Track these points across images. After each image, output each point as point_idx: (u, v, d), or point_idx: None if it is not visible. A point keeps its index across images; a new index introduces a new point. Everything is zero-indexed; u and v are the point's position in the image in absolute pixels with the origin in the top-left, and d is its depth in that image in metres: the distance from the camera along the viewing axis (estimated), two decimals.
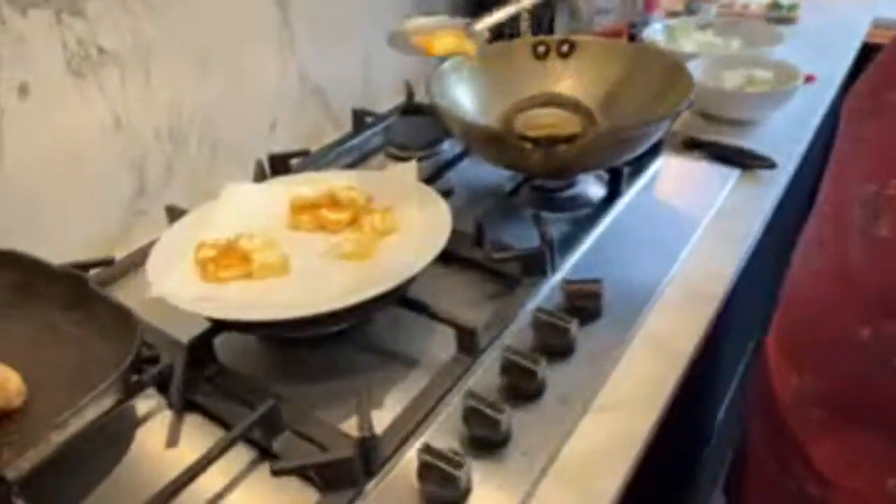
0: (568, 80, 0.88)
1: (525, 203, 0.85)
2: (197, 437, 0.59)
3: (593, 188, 0.88)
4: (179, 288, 0.60)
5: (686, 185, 0.90)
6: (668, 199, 0.87)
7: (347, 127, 1.05)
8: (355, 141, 1.01)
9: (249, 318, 0.57)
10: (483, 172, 0.89)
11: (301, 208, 0.73)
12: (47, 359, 0.61)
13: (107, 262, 0.75)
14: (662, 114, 0.74)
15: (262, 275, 0.64)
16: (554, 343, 0.63)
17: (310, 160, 0.95)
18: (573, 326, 0.63)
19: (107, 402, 0.55)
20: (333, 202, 0.72)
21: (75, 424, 0.53)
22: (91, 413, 0.54)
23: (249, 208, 0.73)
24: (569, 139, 0.70)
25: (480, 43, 0.71)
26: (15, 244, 0.68)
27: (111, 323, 0.60)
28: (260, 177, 0.90)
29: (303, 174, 0.81)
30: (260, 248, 0.66)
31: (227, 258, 0.64)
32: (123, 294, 0.73)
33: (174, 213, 0.81)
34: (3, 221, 0.72)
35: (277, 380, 0.63)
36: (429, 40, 0.70)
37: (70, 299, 0.64)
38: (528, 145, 0.70)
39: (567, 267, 0.75)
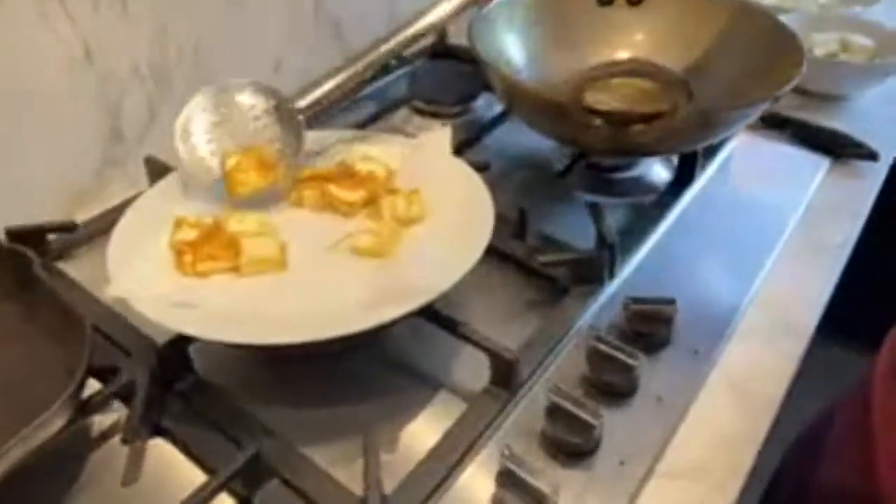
0: (639, 35, 0.72)
1: (576, 184, 0.70)
2: (163, 469, 0.47)
3: (657, 169, 0.73)
4: (146, 285, 0.47)
5: (767, 173, 0.75)
6: (746, 190, 0.72)
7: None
8: (375, 89, 0.86)
9: (231, 339, 0.44)
10: (526, 139, 0.74)
11: (306, 179, 0.59)
12: None
13: (68, 228, 0.62)
14: (764, 93, 0.59)
15: (252, 270, 0.50)
16: (612, 381, 0.50)
17: (319, 111, 0.80)
18: (639, 364, 0.50)
19: (50, 428, 0.43)
20: (346, 175, 0.58)
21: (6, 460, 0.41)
22: (27, 445, 0.42)
23: None
24: (649, 117, 0.55)
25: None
26: None
27: (58, 320, 0.48)
28: None
29: (310, 133, 0.66)
30: (253, 233, 0.53)
31: (210, 244, 0.51)
32: (86, 270, 0.60)
33: (154, 168, 0.67)
34: None
35: (267, 401, 0.51)
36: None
37: (11, 285, 0.51)
38: (598, 122, 0.56)
39: (626, 271, 0.61)
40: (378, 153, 0.61)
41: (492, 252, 0.61)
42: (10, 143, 0.62)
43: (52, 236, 0.62)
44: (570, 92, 0.54)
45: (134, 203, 0.56)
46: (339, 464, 0.46)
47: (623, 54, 0.75)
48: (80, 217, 0.66)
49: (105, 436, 0.49)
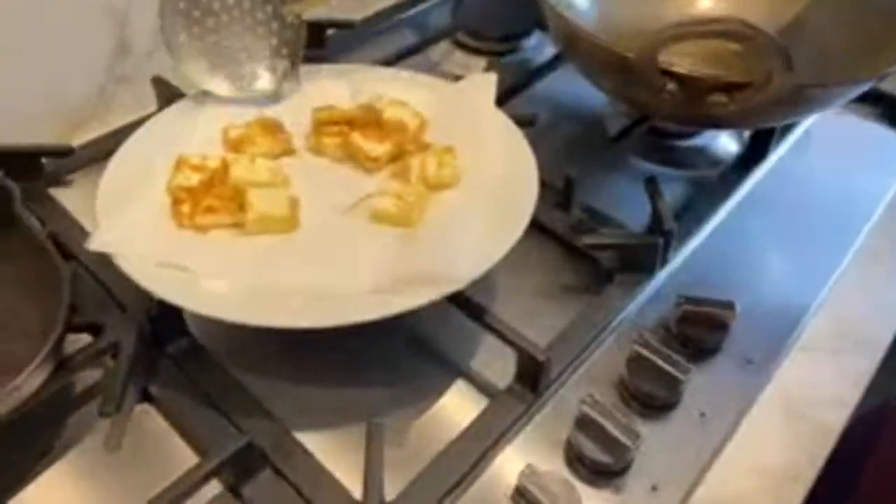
0: None
1: (631, 148, 0.62)
2: (150, 437, 0.42)
3: (724, 140, 0.64)
4: (135, 238, 0.41)
5: (850, 155, 0.66)
6: (824, 174, 0.63)
7: None
8: (415, 13, 0.77)
9: (221, 315, 0.38)
10: (580, 90, 0.64)
11: (327, 123, 0.51)
12: None
13: (63, 152, 0.56)
14: (870, 69, 0.50)
15: (257, 229, 0.44)
16: (653, 393, 0.44)
17: (352, 36, 0.71)
18: (687, 378, 0.44)
19: (24, 391, 0.39)
20: (373, 123, 0.51)
21: None
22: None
23: (258, 107, 0.52)
24: (733, 87, 0.47)
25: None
26: None
27: (37, 267, 0.42)
28: None
29: (337, 67, 0.58)
30: (262, 183, 0.46)
31: (212, 193, 0.45)
32: (82, 198, 0.54)
33: (162, 92, 0.60)
34: None
35: (266, 373, 0.45)
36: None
37: None
38: (672, 86, 0.47)
39: (679, 257, 0.54)
40: (411, 97, 0.54)
41: (532, 222, 0.54)
42: (6, 53, 0.55)
43: (46, 160, 0.56)
44: (640, 46, 0.45)
45: (134, 133, 0.49)
46: (338, 456, 0.41)
47: (705, 4, 0.65)
48: (82, 138, 0.60)
49: (90, 394, 0.44)
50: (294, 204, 0.46)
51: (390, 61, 0.68)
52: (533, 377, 0.44)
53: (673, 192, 0.59)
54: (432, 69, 0.72)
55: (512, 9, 0.74)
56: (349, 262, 0.42)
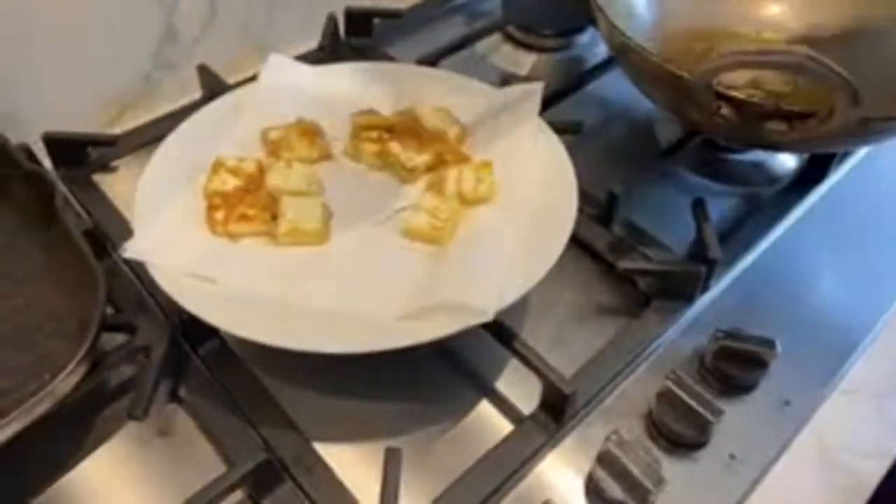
0: None
1: (683, 161, 0.59)
2: (177, 434, 0.43)
3: (782, 155, 0.61)
4: (168, 245, 0.42)
5: None
6: (889, 200, 0.60)
7: None
8: (462, 3, 0.75)
9: (242, 333, 0.38)
10: (633, 96, 0.61)
11: (366, 127, 0.51)
12: None
13: (107, 141, 0.56)
14: None
15: (289, 241, 0.44)
16: (681, 433, 0.43)
17: (399, 26, 0.70)
18: (717, 420, 0.42)
19: (60, 389, 0.40)
20: (412, 130, 0.50)
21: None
22: (30, 414, 0.38)
23: (297, 107, 0.52)
24: (794, 116, 0.44)
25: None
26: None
27: (75, 264, 0.43)
28: (328, 41, 0.66)
29: (382, 66, 0.57)
30: (296, 192, 0.46)
31: (247, 200, 0.45)
32: (126, 185, 0.54)
33: (206, 81, 0.60)
34: None
35: (292, 381, 0.46)
36: None
37: (36, 213, 0.46)
38: (728, 110, 0.45)
39: (724, 281, 0.52)
40: (454, 103, 0.52)
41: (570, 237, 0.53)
42: (52, 37, 0.56)
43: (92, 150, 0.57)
44: (696, 67, 0.43)
45: (173, 132, 0.49)
46: (358, 472, 0.42)
47: (773, 8, 0.61)
48: (128, 124, 0.61)
49: (124, 390, 0.46)
50: (327, 214, 0.45)
51: (437, 53, 0.66)
52: (558, 408, 0.43)
53: (723, 209, 0.57)
54: (479, 63, 0.70)
55: (565, 3, 0.71)
56: (377, 284, 0.42)
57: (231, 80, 0.62)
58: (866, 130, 0.45)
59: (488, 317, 0.38)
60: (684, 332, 0.49)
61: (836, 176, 0.60)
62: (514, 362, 0.46)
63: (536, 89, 0.51)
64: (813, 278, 0.54)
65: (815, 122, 0.43)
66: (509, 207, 0.46)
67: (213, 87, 0.60)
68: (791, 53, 0.38)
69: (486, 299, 0.38)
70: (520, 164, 0.48)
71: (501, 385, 0.47)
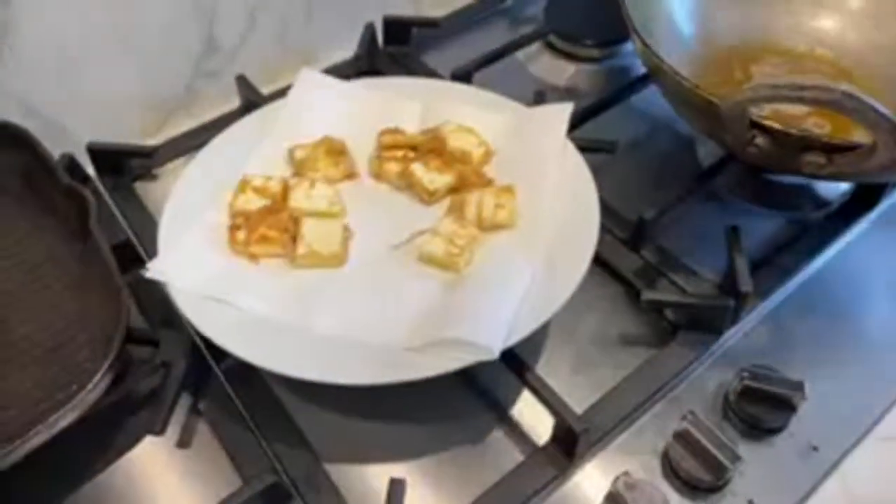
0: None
1: (724, 183, 0.57)
2: (196, 445, 0.45)
3: None
4: (189, 265, 0.43)
5: None
6: None
7: None
8: (502, 9, 0.73)
9: (252, 360, 0.39)
10: (673, 112, 0.60)
11: (391, 147, 0.51)
12: (26, 303, 0.47)
13: (145, 153, 0.58)
14: None
15: (306, 264, 0.45)
16: (697, 477, 0.41)
17: (437, 34, 0.69)
18: (735, 467, 0.41)
19: (86, 402, 0.41)
20: (435, 151, 0.50)
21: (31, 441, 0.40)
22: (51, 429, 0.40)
23: (325, 125, 0.52)
24: (834, 148, 0.41)
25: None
26: (49, 111, 0.54)
27: (106, 279, 0.45)
28: (364, 50, 0.66)
29: (412, 81, 0.56)
30: (318, 213, 0.46)
31: (269, 221, 0.45)
32: (163, 195, 0.55)
33: (244, 93, 0.62)
34: (33, 82, 0.55)
35: (308, 397, 0.46)
36: None
37: (74, 227, 0.48)
38: (762, 140, 0.42)
39: (755, 314, 0.50)
40: (481, 122, 0.51)
41: (596, 259, 0.52)
42: (97, 48, 0.58)
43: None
44: (730, 94, 0.41)
45: (203, 149, 0.51)
46: (367, 495, 0.42)
47: (827, 22, 0.58)
48: (170, 132, 0.63)
49: (149, 399, 0.47)
50: (346, 236, 0.46)
51: (475, 63, 0.65)
52: (569, 444, 0.42)
53: (765, 234, 0.54)
54: (518, 71, 0.69)
55: (609, 12, 0.68)
56: (387, 312, 0.42)
57: (271, 88, 0.63)
58: None
59: (494, 355, 0.37)
60: (711, 366, 0.48)
61: (888, 201, 0.56)
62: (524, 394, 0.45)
63: (565, 109, 0.50)
64: (855, 313, 0.51)
65: (856, 156, 0.40)
66: (529, 235, 0.45)
67: (250, 97, 0.61)
68: (828, 90, 0.36)
69: (493, 336, 0.38)
70: (543, 188, 0.47)
71: (517, 412, 0.46)
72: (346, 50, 0.68)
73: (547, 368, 0.48)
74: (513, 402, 0.46)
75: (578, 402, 0.44)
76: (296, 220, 0.46)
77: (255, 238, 0.44)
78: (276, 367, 0.38)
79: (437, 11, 0.72)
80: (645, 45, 0.47)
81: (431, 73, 0.66)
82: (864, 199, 0.55)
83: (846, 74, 0.58)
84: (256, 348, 0.39)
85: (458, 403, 0.47)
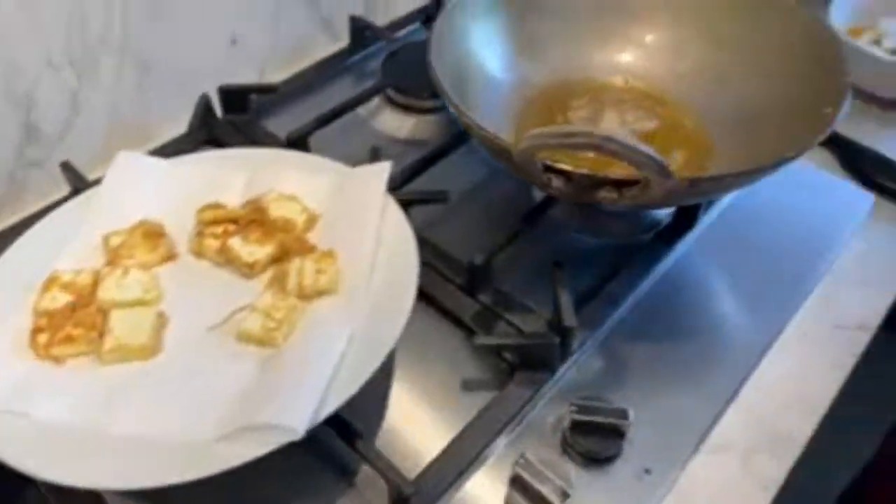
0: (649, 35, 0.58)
1: (557, 217, 0.58)
2: None
3: None
4: None
5: (796, 212, 0.61)
6: (762, 237, 0.59)
7: (343, 41, 0.78)
8: (341, 70, 0.75)
9: (56, 479, 0.36)
10: None
11: (211, 223, 0.50)
12: None
13: None
14: (785, 147, 0.45)
15: (114, 359, 0.43)
16: None
17: (278, 100, 0.70)
18: None
19: None
20: (257, 222, 0.49)
21: None
22: None
23: (142, 207, 0.51)
24: (621, 184, 0.43)
25: None
26: None
27: None
28: (198, 122, 0.66)
29: (235, 152, 0.56)
30: (129, 303, 0.45)
31: (74, 319, 0.43)
32: None
33: (70, 176, 0.60)
34: None
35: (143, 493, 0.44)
36: None
37: None
38: (558, 182, 0.44)
39: (589, 343, 0.51)
40: (307, 188, 0.52)
41: (435, 305, 0.53)
42: None
43: None
44: (524, 148, 0.42)
45: (11, 247, 0.48)
46: None
47: (632, 56, 0.62)
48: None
49: None
50: (160, 324, 0.44)
51: (316, 122, 0.65)
52: None
53: (600, 264, 0.56)
54: (361, 127, 0.70)
55: None
56: (199, 401, 0.40)
57: (104, 172, 0.61)
58: (697, 191, 0.45)
59: (298, 435, 0.37)
60: (547, 403, 0.48)
61: (708, 219, 0.59)
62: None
63: (383, 167, 0.51)
64: (681, 333, 0.53)
65: (639, 190, 0.42)
66: (350, 298, 0.45)
67: (76, 184, 0.59)
68: (589, 135, 0.38)
69: (298, 415, 0.37)
70: (363, 249, 0.47)
71: (361, 476, 0.45)
72: (184, 124, 0.67)
73: (389, 424, 0.47)
74: (358, 467, 0.46)
75: (424, 456, 0.44)
76: (104, 314, 0.44)
77: (59, 339, 0.42)
78: (73, 482, 0.36)
79: (276, 76, 0.73)
80: (446, 92, 0.48)
81: (273, 139, 0.66)
82: (683, 220, 0.58)
83: (661, 102, 0.62)
84: (52, 462, 0.37)
85: (305, 470, 0.45)
